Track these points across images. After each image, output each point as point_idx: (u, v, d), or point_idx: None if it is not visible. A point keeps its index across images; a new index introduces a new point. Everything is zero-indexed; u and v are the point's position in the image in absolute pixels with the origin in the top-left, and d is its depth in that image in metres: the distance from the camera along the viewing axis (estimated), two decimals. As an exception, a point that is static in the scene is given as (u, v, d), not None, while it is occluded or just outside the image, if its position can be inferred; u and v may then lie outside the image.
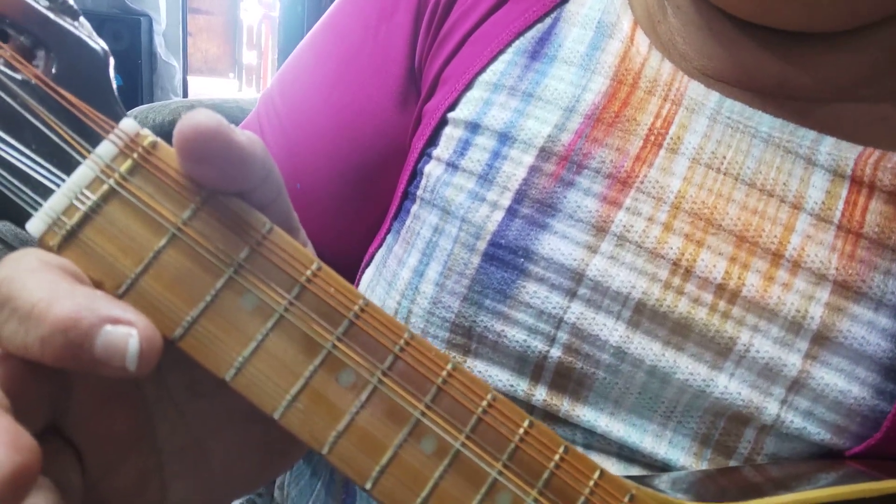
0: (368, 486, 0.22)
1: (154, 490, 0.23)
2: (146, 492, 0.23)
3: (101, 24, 2.74)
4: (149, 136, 0.22)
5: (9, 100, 0.21)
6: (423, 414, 0.22)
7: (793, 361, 0.33)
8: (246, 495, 0.26)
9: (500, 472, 0.23)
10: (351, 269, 0.45)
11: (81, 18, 0.23)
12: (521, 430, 0.23)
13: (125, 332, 0.19)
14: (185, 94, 3.24)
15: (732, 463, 0.34)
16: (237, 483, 0.26)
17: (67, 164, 0.21)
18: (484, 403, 0.23)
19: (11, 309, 0.19)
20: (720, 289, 0.34)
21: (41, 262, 0.20)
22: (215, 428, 0.25)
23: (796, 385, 0.33)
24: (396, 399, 0.22)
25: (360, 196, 0.44)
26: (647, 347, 0.34)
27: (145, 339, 0.19)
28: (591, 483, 0.23)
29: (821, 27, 0.34)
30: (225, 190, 0.22)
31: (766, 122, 0.36)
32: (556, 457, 0.23)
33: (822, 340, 0.33)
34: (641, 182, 0.36)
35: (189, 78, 3.29)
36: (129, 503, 0.23)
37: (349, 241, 0.45)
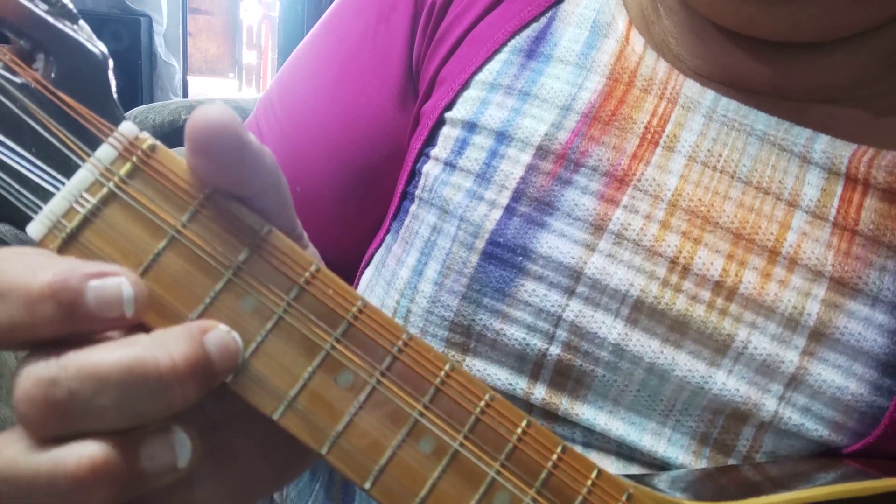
0: (367, 486, 0.22)
1: (181, 493, 0.24)
2: (174, 494, 0.23)
3: (101, 24, 2.74)
4: (148, 140, 0.22)
5: (8, 103, 0.21)
6: (422, 414, 0.23)
7: (790, 358, 0.34)
8: (271, 495, 0.26)
9: (499, 472, 0.23)
10: (351, 269, 0.46)
11: (81, 22, 0.23)
12: (519, 430, 0.23)
13: (115, 280, 0.20)
14: (185, 94, 3.24)
15: (731, 461, 0.34)
16: (263, 482, 0.26)
17: (67, 168, 0.22)
18: (482, 403, 0.23)
19: None
20: (718, 286, 0.34)
21: (11, 251, 0.20)
22: (240, 428, 0.25)
23: (794, 381, 0.33)
24: (395, 400, 0.23)
25: (361, 197, 0.44)
26: (645, 345, 0.34)
27: (135, 284, 0.20)
28: (589, 482, 0.24)
29: (805, 39, 0.34)
30: (227, 189, 0.22)
31: (761, 121, 0.36)
32: (554, 456, 0.23)
33: (819, 337, 0.34)
34: (638, 180, 0.36)
35: (189, 78, 3.29)
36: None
37: (350, 242, 0.45)
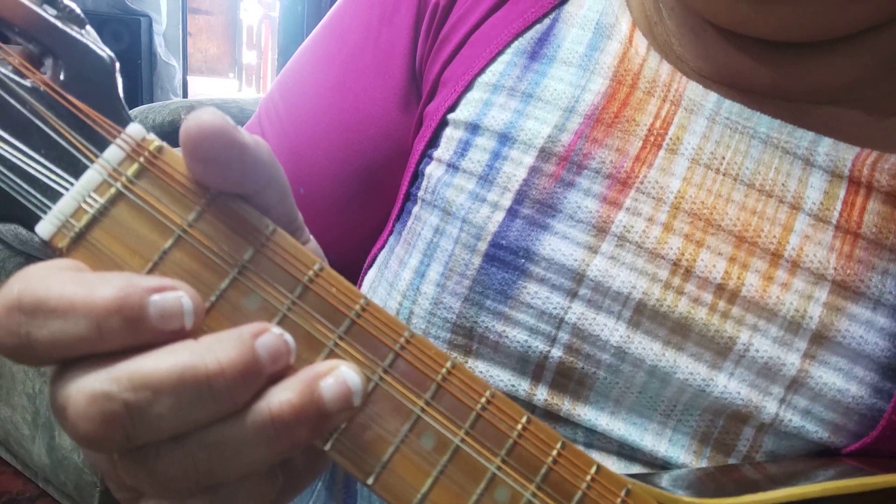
0: (370, 481, 0.22)
1: None
2: None
3: (101, 24, 2.75)
4: (155, 141, 0.22)
5: (18, 106, 0.22)
6: (424, 410, 0.23)
7: (791, 361, 0.34)
8: (290, 500, 0.26)
9: (499, 467, 0.23)
10: (354, 270, 0.46)
11: (88, 26, 0.23)
12: (519, 426, 0.24)
13: (174, 294, 0.20)
14: (185, 94, 3.24)
15: (731, 461, 0.34)
16: (284, 488, 0.26)
17: (75, 169, 0.22)
18: (483, 400, 0.23)
19: (48, 310, 0.19)
20: (720, 289, 0.34)
21: (49, 267, 0.20)
22: None
23: (795, 384, 0.34)
24: (397, 396, 0.23)
25: (364, 198, 0.44)
26: (647, 347, 0.35)
27: (192, 296, 0.21)
28: (588, 478, 0.24)
29: (802, 38, 0.34)
30: (229, 190, 0.22)
31: (764, 123, 0.36)
32: (554, 452, 0.24)
33: (821, 340, 0.34)
34: (641, 182, 0.36)
35: (189, 78, 3.30)
36: None
37: (353, 243, 0.46)
